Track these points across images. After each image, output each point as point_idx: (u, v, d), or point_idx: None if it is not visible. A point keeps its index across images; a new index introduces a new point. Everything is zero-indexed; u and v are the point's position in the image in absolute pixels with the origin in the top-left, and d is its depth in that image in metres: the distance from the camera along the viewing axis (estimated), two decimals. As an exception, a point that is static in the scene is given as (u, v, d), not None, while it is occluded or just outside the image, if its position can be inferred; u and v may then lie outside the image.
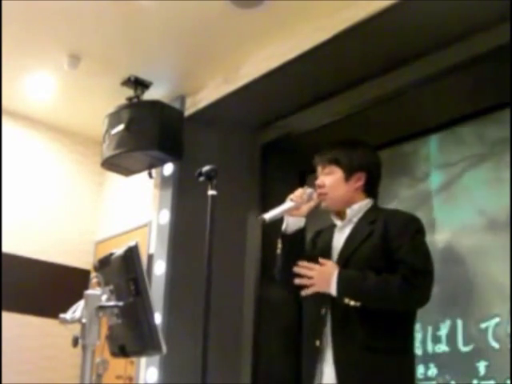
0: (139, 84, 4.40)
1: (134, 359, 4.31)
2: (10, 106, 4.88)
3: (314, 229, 2.69)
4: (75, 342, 1.93)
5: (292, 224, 2.53)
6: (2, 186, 4.85)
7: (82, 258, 5.15)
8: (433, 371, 3.67)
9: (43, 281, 4.91)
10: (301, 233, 2.55)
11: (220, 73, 4.25)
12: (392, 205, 3.54)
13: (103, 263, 2.10)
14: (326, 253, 2.49)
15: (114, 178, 5.02)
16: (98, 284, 2.05)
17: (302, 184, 4.05)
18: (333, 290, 2.35)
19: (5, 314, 4.65)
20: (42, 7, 3.70)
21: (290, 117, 4.36)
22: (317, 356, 2.38)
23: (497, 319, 3.45)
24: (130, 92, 4.41)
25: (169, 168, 4.49)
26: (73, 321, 1.95)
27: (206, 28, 3.82)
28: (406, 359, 2.39)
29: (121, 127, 4.27)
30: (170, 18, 3.76)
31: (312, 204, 2.56)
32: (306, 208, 2.54)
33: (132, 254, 1.97)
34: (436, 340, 3.69)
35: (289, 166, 4.61)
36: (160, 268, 4.29)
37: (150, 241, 4.59)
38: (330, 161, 2.57)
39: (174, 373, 4.05)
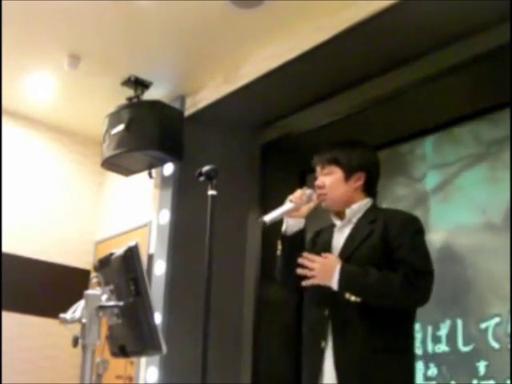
0: (139, 84, 4.39)
1: (134, 359, 4.30)
2: (9, 105, 4.88)
3: (313, 229, 2.69)
4: (75, 342, 1.93)
5: (292, 225, 2.54)
6: (2, 185, 4.85)
7: (82, 258, 5.15)
8: (433, 371, 3.67)
9: (43, 281, 4.91)
10: (301, 234, 2.55)
11: (220, 73, 4.25)
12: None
13: (103, 263, 2.11)
14: (326, 253, 2.49)
15: (114, 178, 5.01)
16: (98, 284, 2.05)
17: (302, 184, 4.07)
18: (334, 283, 2.34)
19: (5, 314, 4.65)
20: (41, 7, 3.70)
21: (289, 117, 4.36)
22: (321, 356, 2.38)
23: (497, 319, 3.45)
24: (130, 92, 4.41)
25: (169, 168, 4.49)
26: (73, 321, 1.95)
27: (206, 28, 3.82)
28: (406, 359, 2.40)
29: (121, 127, 4.27)
30: (169, 18, 3.76)
31: (311, 205, 2.57)
32: (305, 209, 2.55)
33: (132, 254, 1.97)
34: (436, 340, 3.69)
35: (289, 166, 4.61)
36: (160, 268, 4.29)
37: (150, 241, 4.59)
38: (329, 161, 2.57)
39: (174, 373, 4.05)
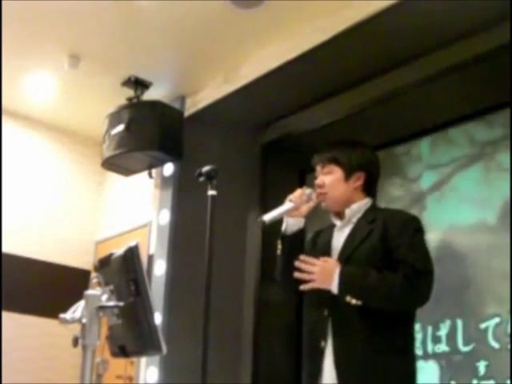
0: (139, 84, 4.40)
1: (134, 359, 4.31)
2: (9, 105, 4.88)
3: (313, 229, 2.69)
4: (75, 342, 1.93)
5: (292, 225, 2.53)
6: (2, 186, 4.85)
7: (82, 258, 5.15)
8: (433, 371, 3.67)
9: (43, 281, 4.92)
10: (301, 233, 2.55)
11: (220, 73, 4.25)
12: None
13: (103, 263, 2.10)
14: (326, 253, 2.48)
15: (114, 177, 5.02)
16: (98, 284, 2.05)
17: (302, 184, 4.08)
18: (334, 287, 2.34)
19: (5, 314, 4.65)
20: (41, 7, 3.70)
21: (290, 117, 4.37)
22: (321, 356, 2.38)
23: (497, 319, 3.45)
24: (130, 92, 4.41)
25: (169, 168, 4.49)
26: (73, 321, 1.95)
27: (206, 28, 3.82)
28: (406, 359, 2.39)
29: (121, 127, 4.27)
30: (169, 18, 3.76)
31: (311, 204, 2.56)
32: (305, 208, 2.54)
33: (132, 254, 1.97)
34: (436, 340, 3.69)
35: (289, 166, 4.62)
36: (160, 268, 4.29)
37: (150, 241, 4.59)
38: (329, 160, 2.57)
39: (174, 373, 4.05)
